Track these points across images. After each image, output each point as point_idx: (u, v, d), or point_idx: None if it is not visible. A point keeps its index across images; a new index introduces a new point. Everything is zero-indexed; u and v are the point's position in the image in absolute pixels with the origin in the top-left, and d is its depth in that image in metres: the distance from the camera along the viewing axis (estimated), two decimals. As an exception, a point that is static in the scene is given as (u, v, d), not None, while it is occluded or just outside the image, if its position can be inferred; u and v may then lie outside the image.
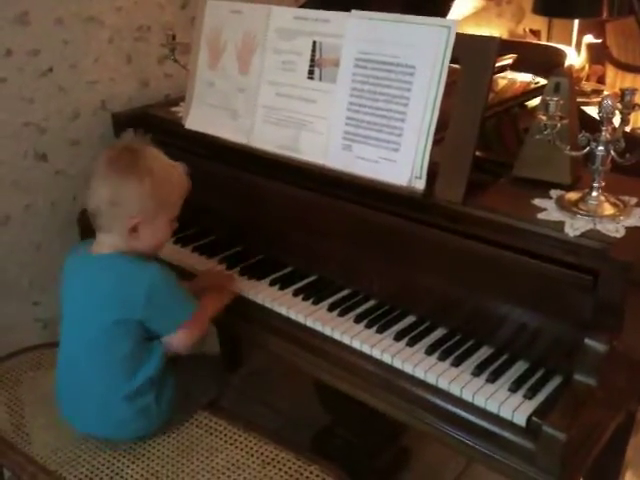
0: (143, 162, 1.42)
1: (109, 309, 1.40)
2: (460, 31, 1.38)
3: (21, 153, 1.94)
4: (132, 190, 1.40)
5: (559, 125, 1.31)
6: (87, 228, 1.89)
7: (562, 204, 1.35)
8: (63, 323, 1.51)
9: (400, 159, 1.46)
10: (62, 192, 2.05)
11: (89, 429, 1.51)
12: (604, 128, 1.27)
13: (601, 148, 1.28)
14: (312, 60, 1.60)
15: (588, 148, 1.30)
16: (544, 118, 1.31)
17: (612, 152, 1.28)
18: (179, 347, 1.47)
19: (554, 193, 1.40)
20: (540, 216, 1.32)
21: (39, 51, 1.90)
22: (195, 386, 1.60)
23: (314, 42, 1.59)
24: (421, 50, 1.41)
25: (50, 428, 1.54)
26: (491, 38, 1.38)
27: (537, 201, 1.37)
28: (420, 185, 1.44)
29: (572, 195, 1.37)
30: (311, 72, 1.60)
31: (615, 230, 1.26)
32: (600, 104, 1.26)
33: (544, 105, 1.32)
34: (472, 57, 1.36)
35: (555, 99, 1.30)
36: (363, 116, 1.51)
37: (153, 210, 1.43)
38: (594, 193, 1.33)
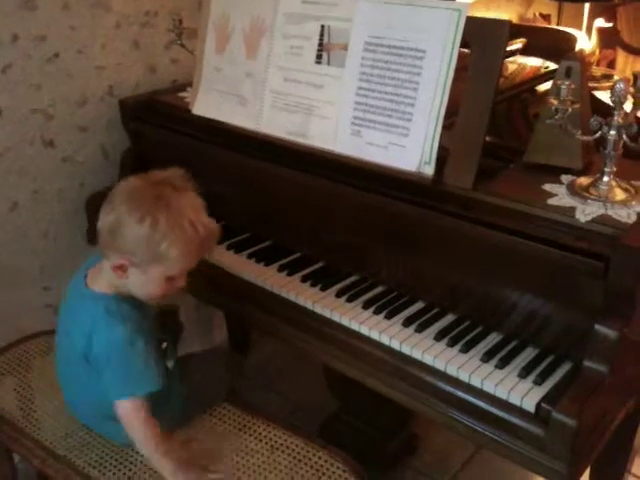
0: (159, 204, 1.28)
1: (82, 347, 1.36)
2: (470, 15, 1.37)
3: (28, 139, 1.93)
4: (130, 229, 1.27)
5: (570, 109, 1.30)
6: (94, 214, 1.90)
7: (573, 189, 1.33)
8: (57, 337, 1.50)
9: (409, 144, 1.45)
10: (69, 179, 2.04)
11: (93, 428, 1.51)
12: (616, 112, 1.25)
13: (613, 132, 1.26)
14: (320, 44, 1.58)
15: (600, 133, 1.28)
16: (555, 102, 1.30)
17: (624, 137, 1.26)
18: (120, 415, 1.36)
19: (565, 178, 1.39)
20: (551, 201, 1.31)
21: (45, 37, 1.89)
22: (209, 385, 1.59)
23: (322, 26, 1.57)
24: (431, 34, 1.40)
25: (59, 414, 1.55)
26: (502, 21, 1.37)
27: (548, 186, 1.36)
28: (429, 171, 1.43)
29: (583, 180, 1.36)
30: (319, 57, 1.58)
31: (627, 216, 1.25)
32: (612, 88, 1.24)
33: (555, 89, 1.31)
34: (483, 40, 1.35)
35: (567, 83, 1.29)
36: (372, 101, 1.50)
37: (146, 259, 1.30)
38: (605, 178, 1.32)
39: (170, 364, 1.47)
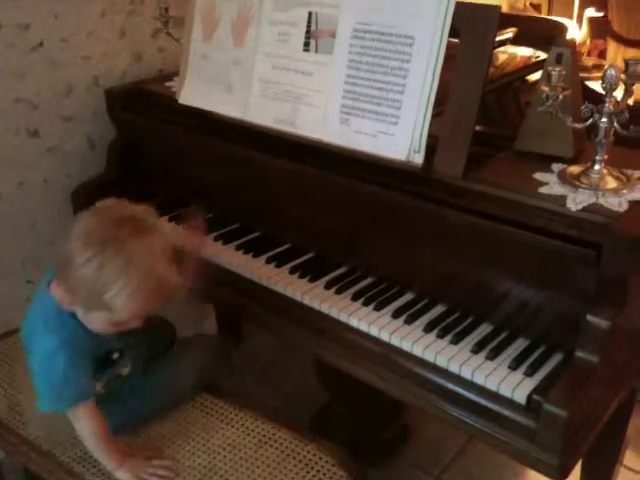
0: (110, 248, 1.19)
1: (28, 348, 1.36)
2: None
3: (13, 130, 1.90)
4: (77, 267, 1.20)
5: (561, 96, 1.28)
6: (81, 205, 1.87)
7: (564, 178, 1.32)
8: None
9: (398, 133, 1.43)
10: (55, 169, 2.01)
11: None
12: (607, 99, 1.24)
13: (604, 120, 1.25)
14: (308, 31, 1.56)
15: (591, 120, 1.27)
16: (546, 89, 1.28)
17: (615, 124, 1.25)
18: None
19: (556, 167, 1.37)
20: (542, 190, 1.29)
21: (29, 25, 1.86)
22: (193, 371, 1.56)
23: (310, 13, 1.55)
24: (420, 20, 1.38)
25: (44, 409, 1.53)
26: (492, 7, 1.35)
27: (539, 175, 1.34)
28: (419, 159, 1.41)
29: (574, 169, 1.34)
30: (307, 44, 1.56)
31: (618, 204, 1.23)
32: (603, 74, 1.22)
33: (546, 76, 1.29)
34: (473, 26, 1.33)
35: (557, 69, 1.27)
36: (361, 89, 1.48)
37: (87, 304, 1.23)
38: (597, 166, 1.30)
39: (125, 371, 1.44)
